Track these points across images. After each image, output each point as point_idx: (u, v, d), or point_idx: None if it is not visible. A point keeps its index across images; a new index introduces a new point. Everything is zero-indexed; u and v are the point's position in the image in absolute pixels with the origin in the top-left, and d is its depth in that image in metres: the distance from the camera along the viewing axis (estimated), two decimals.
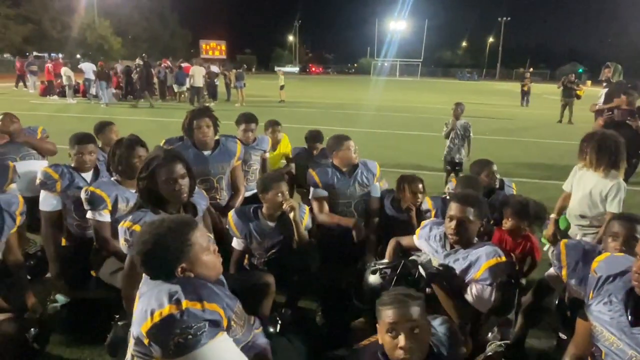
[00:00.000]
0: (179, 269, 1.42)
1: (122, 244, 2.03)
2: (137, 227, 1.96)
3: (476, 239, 2.18)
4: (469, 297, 2.08)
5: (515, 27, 78.16)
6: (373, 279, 2.18)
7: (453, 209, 2.11)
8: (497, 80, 58.76)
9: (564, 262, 1.92)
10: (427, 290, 2.11)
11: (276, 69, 19.99)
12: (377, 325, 1.53)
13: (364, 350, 1.62)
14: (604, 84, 6.62)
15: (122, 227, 2.01)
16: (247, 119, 3.73)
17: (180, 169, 2.09)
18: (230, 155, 3.20)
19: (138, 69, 16.54)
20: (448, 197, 2.75)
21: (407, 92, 27.61)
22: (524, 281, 2.84)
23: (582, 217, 3.01)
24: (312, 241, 2.80)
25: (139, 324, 1.31)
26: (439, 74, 66.11)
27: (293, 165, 4.44)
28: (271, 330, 2.46)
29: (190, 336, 1.27)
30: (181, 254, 1.42)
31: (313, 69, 71.38)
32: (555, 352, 2.33)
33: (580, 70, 50.32)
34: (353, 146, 3.13)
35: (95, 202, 2.43)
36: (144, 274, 1.49)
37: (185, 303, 1.30)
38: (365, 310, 2.25)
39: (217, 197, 3.18)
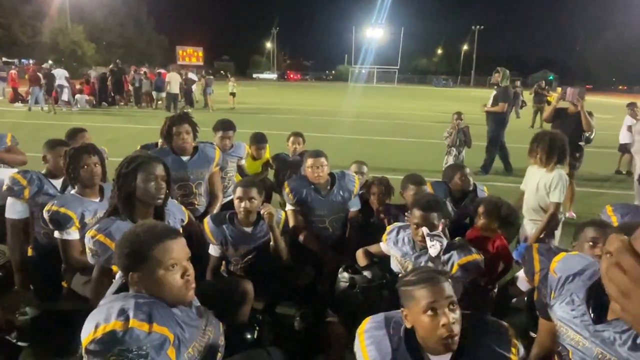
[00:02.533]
0: (134, 275, 1.38)
1: (87, 253, 1.98)
2: (101, 237, 1.92)
3: (445, 239, 2.22)
4: None
5: (488, 35, 79.99)
6: (343, 284, 2.21)
7: (417, 216, 2.15)
8: (471, 87, 60.03)
9: (537, 267, 1.86)
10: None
11: (230, 78, 19.81)
12: (403, 310, 1.46)
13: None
14: (495, 87, 7.36)
15: (87, 235, 1.97)
16: (225, 126, 3.73)
17: (161, 170, 2.09)
18: (209, 161, 3.17)
19: (110, 75, 16.27)
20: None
21: (385, 99, 27.94)
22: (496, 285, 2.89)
23: (535, 211, 3.25)
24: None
25: (84, 337, 1.23)
26: (416, 81, 67.12)
27: (267, 172, 4.46)
28: (248, 336, 2.46)
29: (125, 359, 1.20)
30: (136, 262, 1.38)
31: (291, 75, 71.58)
32: (526, 350, 2.38)
33: (551, 77, 51.94)
34: (317, 164, 2.97)
35: (61, 222, 2.33)
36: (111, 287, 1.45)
37: (132, 322, 1.22)
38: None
39: (196, 202, 3.16)
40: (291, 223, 3.02)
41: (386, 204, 3.12)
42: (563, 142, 3.19)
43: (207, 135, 3.68)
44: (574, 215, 5.18)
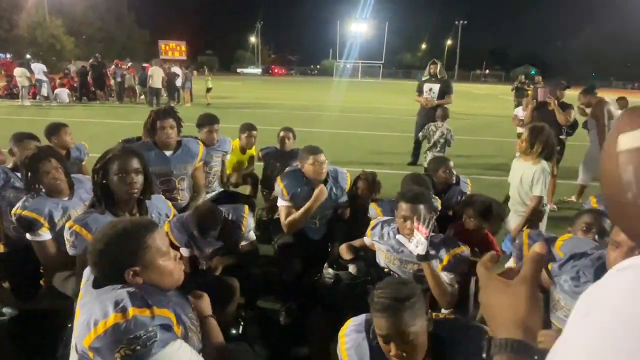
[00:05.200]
0: (130, 273, 1.33)
1: (66, 244, 1.98)
2: (77, 227, 1.92)
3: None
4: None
5: (472, 30, 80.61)
6: (328, 280, 2.21)
7: (404, 209, 2.15)
8: (455, 82, 60.53)
9: (526, 252, 1.98)
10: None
11: (206, 72, 19.58)
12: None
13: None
14: (432, 79, 7.31)
15: (67, 226, 1.98)
16: (211, 120, 3.70)
17: (135, 163, 2.06)
18: (193, 156, 3.14)
19: (91, 70, 15.97)
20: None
21: (369, 93, 28.00)
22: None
23: (518, 204, 3.31)
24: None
25: (81, 338, 1.19)
26: (400, 76, 67.38)
27: (253, 167, 4.44)
28: (233, 332, 2.45)
29: (138, 347, 1.17)
30: (135, 256, 1.34)
31: (276, 70, 71.09)
32: None
33: (533, 72, 52.64)
34: (320, 161, 2.92)
35: (29, 226, 2.29)
36: (84, 284, 1.39)
37: (132, 310, 1.20)
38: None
39: (178, 197, 3.11)
40: (283, 219, 2.98)
41: (378, 199, 3.10)
42: (550, 136, 3.22)
43: (189, 130, 3.62)
44: (555, 207, 5.28)
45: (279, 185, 2.98)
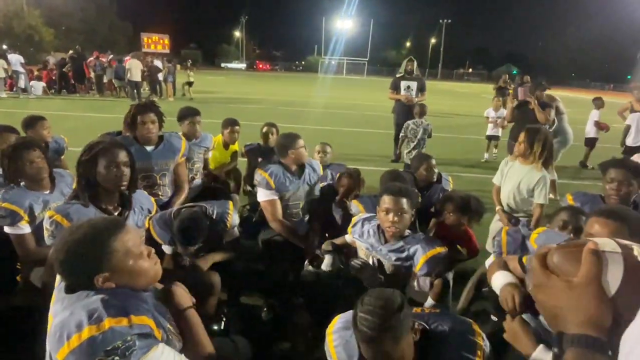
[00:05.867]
0: (99, 279, 1.24)
1: (45, 233, 1.95)
2: (58, 217, 1.89)
3: (409, 230, 2.26)
4: (411, 289, 2.16)
5: (456, 29, 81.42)
6: (308, 272, 2.22)
7: (387, 201, 2.16)
8: (438, 80, 61.09)
9: (504, 247, 2.10)
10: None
11: (189, 66, 19.16)
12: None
13: None
14: (408, 77, 7.39)
15: (46, 215, 1.95)
16: (193, 112, 3.67)
17: (124, 156, 2.04)
18: (175, 151, 3.10)
19: (70, 62, 15.62)
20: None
21: (354, 90, 28.08)
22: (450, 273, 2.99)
23: (510, 207, 3.26)
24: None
25: (55, 350, 1.13)
26: (385, 73, 67.56)
27: (236, 162, 4.42)
28: (215, 328, 2.44)
29: (117, 357, 1.12)
30: (100, 262, 1.25)
31: (260, 65, 70.69)
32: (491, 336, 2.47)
33: (515, 71, 53.55)
34: (304, 144, 3.05)
35: (8, 218, 2.24)
36: (57, 285, 1.33)
37: (107, 322, 1.13)
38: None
39: (160, 193, 3.07)
40: (268, 213, 2.97)
41: (359, 195, 3.10)
42: (548, 137, 3.14)
43: (170, 125, 3.58)
44: None
45: (263, 175, 2.95)
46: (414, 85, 7.34)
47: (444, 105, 18.52)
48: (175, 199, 3.14)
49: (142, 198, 2.25)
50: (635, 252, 0.68)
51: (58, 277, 1.36)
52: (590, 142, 8.10)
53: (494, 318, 2.17)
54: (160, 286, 1.49)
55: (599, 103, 8.19)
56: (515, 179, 3.18)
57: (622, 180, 2.28)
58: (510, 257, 1.82)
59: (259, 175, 2.99)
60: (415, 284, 2.17)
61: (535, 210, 3.12)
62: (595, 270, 0.68)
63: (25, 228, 2.28)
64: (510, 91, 13.82)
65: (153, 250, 1.40)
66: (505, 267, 1.81)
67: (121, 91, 16.57)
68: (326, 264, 2.19)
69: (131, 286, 1.30)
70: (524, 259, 1.67)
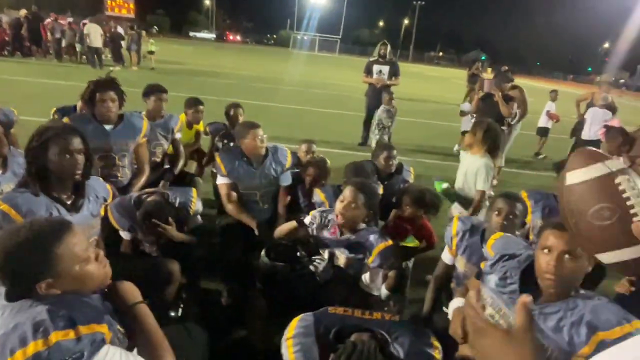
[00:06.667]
0: (42, 286, 1.18)
1: None
2: (5, 207, 1.76)
3: (363, 224, 2.31)
4: (365, 280, 2.22)
5: (428, 11, 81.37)
6: (264, 264, 2.24)
7: (346, 191, 2.23)
8: (410, 62, 61.35)
9: (454, 231, 2.26)
10: None
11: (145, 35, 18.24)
12: None
13: None
14: (381, 61, 7.50)
15: None
16: (159, 88, 3.56)
17: (77, 143, 1.93)
18: (135, 131, 2.99)
19: (25, 23, 14.66)
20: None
21: (325, 68, 27.86)
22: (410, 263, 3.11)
23: (463, 195, 3.45)
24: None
25: None
26: (357, 52, 67.18)
27: (199, 143, 4.34)
28: (172, 314, 2.45)
29: None
30: (44, 269, 1.18)
31: (230, 37, 68.62)
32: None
33: (483, 57, 54.43)
34: (260, 135, 2.91)
35: None
36: None
37: (54, 335, 1.07)
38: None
39: (119, 175, 2.98)
40: (222, 195, 2.97)
41: (323, 184, 3.11)
42: (495, 131, 3.34)
43: (133, 97, 3.44)
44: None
45: (217, 160, 2.97)
46: (385, 69, 7.43)
47: (413, 89, 18.68)
48: (135, 181, 3.06)
49: (96, 185, 2.15)
50: None
51: None
52: (543, 132, 8.63)
53: (445, 310, 2.28)
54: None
55: (553, 95, 8.74)
56: (464, 167, 3.44)
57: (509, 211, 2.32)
58: (472, 280, 1.91)
59: (215, 160, 3.01)
60: (368, 276, 2.22)
61: (475, 196, 3.32)
62: (528, 319, 0.73)
63: None
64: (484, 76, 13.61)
65: (102, 253, 1.34)
66: (466, 292, 1.91)
67: (81, 57, 15.77)
68: (321, 265, 2.18)
69: (77, 291, 1.24)
70: (482, 265, 1.75)
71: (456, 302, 1.78)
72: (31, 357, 1.04)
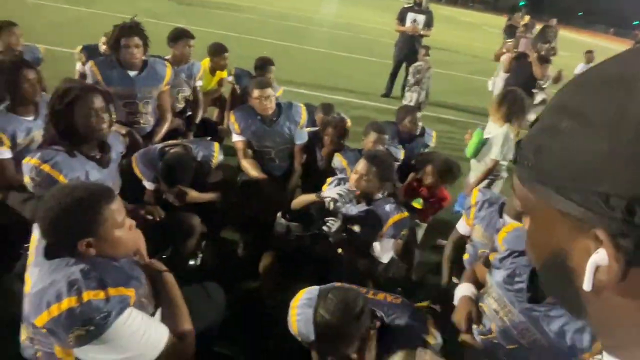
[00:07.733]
0: (84, 244, 1.27)
1: (26, 182, 1.88)
2: (46, 167, 1.82)
3: (380, 194, 2.32)
4: (376, 249, 2.28)
5: None
6: (280, 230, 2.31)
7: (359, 164, 2.26)
8: (443, 4, 57.86)
9: (473, 201, 2.30)
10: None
11: None
12: None
13: None
14: (416, 9, 7.01)
15: (28, 163, 1.84)
16: (187, 34, 3.52)
17: (100, 101, 1.96)
18: (159, 79, 3.00)
19: None
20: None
21: (352, 7, 26.48)
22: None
23: (481, 163, 3.34)
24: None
25: (34, 315, 1.18)
26: None
27: (221, 91, 4.28)
28: (191, 263, 2.57)
29: (92, 327, 1.17)
30: (90, 227, 1.28)
31: None
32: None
33: (521, 3, 51.00)
34: (266, 95, 2.86)
35: None
36: (34, 243, 1.35)
37: (86, 295, 1.17)
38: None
39: (142, 121, 3.03)
40: (238, 151, 3.00)
41: (344, 147, 3.09)
42: (517, 99, 3.15)
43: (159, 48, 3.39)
44: None
45: (231, 119, 2.98)
46: (420, 19, 6.95)
47: (444, 36, 17.76)
48: (158, 129, 3.10)
49: (113, 140, 2.19)
50: None
51: (35, 236, 1.37)
52: None
53: (455, 280, 2.35)
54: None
55: (589, 56, 8.11)
56: (488, 134, 3.31)
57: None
58: (480, 266, 1.93)
59: (230, 116, 3.02)
60: (379, 245, 2.28)
61: (488, 163, 3.19)
62: None
63: (6, 153, 2.25)
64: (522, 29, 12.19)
65: (134, 224, 1.44)
66: (473, 277, 1.93)
67: None
68: (334, 226, 2.21)
69: (110, 255, 1.34)
70: (491, 257, 1.77)
71: (463, 289, 1.82)
72: (65, 312, 1.15)
